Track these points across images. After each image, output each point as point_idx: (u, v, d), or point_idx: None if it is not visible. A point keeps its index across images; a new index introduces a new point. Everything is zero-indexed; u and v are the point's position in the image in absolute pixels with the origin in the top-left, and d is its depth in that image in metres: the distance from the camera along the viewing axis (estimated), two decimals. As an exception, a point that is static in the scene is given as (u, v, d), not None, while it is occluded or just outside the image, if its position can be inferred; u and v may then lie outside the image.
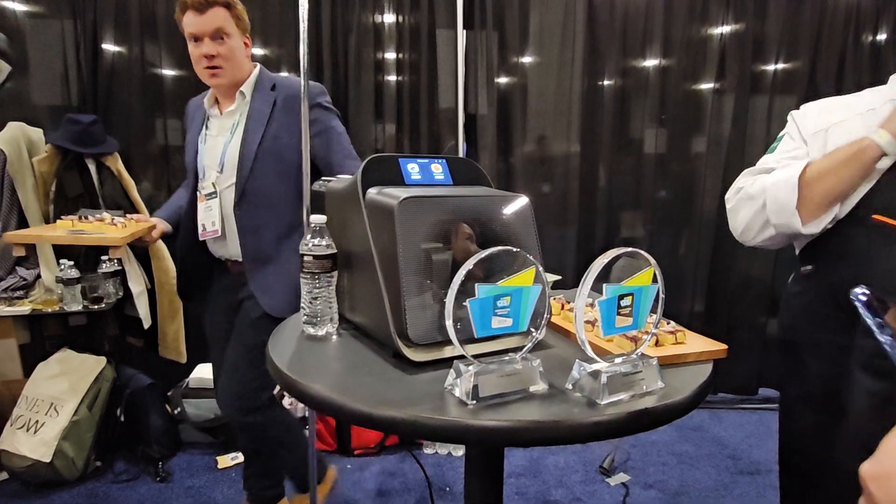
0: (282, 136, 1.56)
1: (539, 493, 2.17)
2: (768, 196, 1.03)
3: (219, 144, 1.59)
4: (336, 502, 2.10)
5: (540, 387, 0.72)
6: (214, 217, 1.60)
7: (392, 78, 2.75)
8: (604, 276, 0.69)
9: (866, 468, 0.33)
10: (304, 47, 1.54)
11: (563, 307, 1.03)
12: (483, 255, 0.68)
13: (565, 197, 2.90)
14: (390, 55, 2.73)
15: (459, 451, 2.44)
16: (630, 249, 0.70)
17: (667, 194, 2.93)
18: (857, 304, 0.45)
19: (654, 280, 0.72)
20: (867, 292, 0.46)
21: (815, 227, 1.02)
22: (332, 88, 2.67)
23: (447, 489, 2.19)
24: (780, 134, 1.15)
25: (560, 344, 0.91)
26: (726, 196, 1.14)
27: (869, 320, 0.44)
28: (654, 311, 0.74)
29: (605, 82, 2.86)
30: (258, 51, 2.66)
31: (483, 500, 0.99)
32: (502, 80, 2.81)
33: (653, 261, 0.71)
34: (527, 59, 2.83)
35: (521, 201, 0.90)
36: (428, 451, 2.47)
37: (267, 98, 1.57)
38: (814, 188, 1.00)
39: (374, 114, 2.75)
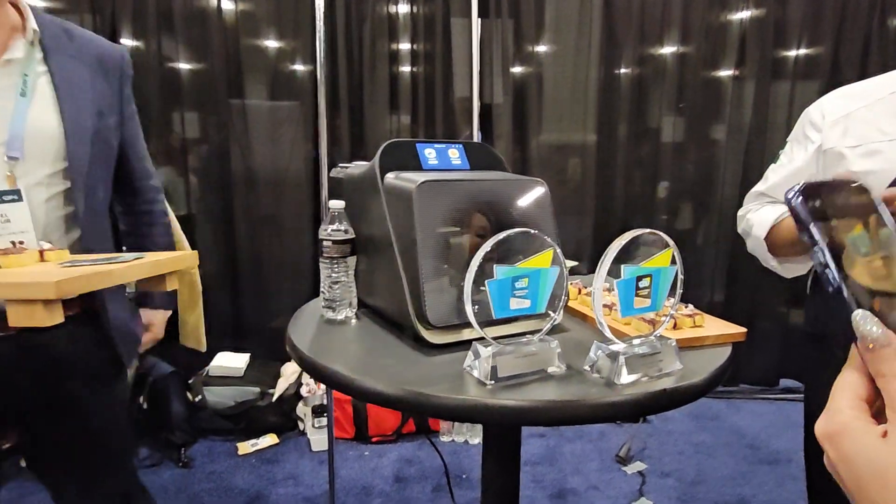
0: (106, 114, 1.08)
1: (555, 481, 2.18)
2: (753, 244, 1.12)
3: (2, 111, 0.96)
4: (354, 488, 2.13)
5: (558, 368, 0.72)
6: (19, 236, 0.96)
7: (406, 68, 2.75)
8: (622, 257, 0.69)
9: (819, 426, 0.32)
10: (321, 37, 1.55)
11: (580, 292, 1.03)
12: (501, 237, 0.68)
13: (581, 186, 2.88)
14: (405, 45, 2.73)
15: (476, 438, 2.46)
16: (649, 231, 0.70)
17: (685, 183, 2.90)
18: (794, 206, 0.34)
19: (673, 262, 0.72)
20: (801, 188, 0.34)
21: (802, 271, 1.11)
22: (347, 79, 2.68)
23: (464, 476, 2.21)
24: (788, 138, 1.14)
25: (576, 327, 0.91)
26: (738, 213, 1.18)
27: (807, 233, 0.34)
28: (672, 293, 0.74)
29: (623, 70, 2.83)
30: (272, 43, 2.68)
31: (500, 485, 1.00)
32: (518, 68, 2.80)
33: (671, 242, 0.71)
34: (542, 48, 2.81)
35: (539, 186, 0.91)
36: (444, 438, 2.49)
37: (73, 52, 1.06)
38: (783, 250, 1.07)
39: (389, 104, 2.75)
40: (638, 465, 2.26)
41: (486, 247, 0.67)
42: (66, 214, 1.04)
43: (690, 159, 2.89)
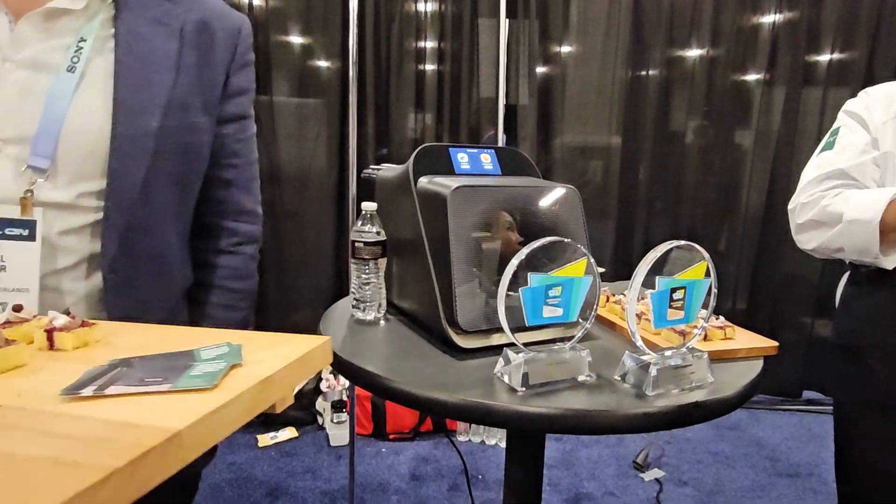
0: (191, 110, 0.76)
1: (571, 485, 2.17)
2: (846, 232, 0.99)
3: (29, 92, 0.68)
4: (371, 484, 2.15)
5: (588, 377, 0.72)
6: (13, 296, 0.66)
7: (432, 67, 2.76)
8: (655, 268, 0.69)
9: None
10: (354, 36, 1.56)
11: (607, 299, 1.03)
12: (537, 245, 0.69)
13: (605, 189, 2.86)
14: (431, 44, 2.74)
15: (492, 439, 2.46)
16: (684, 242, 0.70)
17: (710, 188, 2.87)
18: None
19: (707, 274, 0.72)
20: None
21: None
22: (374, 77, 2.70)
23: (480, 476, 2.22)
24: (834, 126, 1.10)
25: (605, 335, 0.91)
26: (791, 206, 1.08)
27: None
28: (705, 306, 0.74)
29: (650, 72, 2.80)
30: (297, 39, 2.70)
31: (523, 488, 1.01)
32: (544, 69, 2.79)
33: (706, 255, 0.71)
34: (568, 49, 2.79)
35: (570, 192, 0.91)
36: (461, 438, 2.50)
37: (159, 12, 0.74)
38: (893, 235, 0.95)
39: (415, 103, 2.76)
40: (655, 473, 2.25)
41: (522, 254, 0.68)
42: (90, 256, 0.72)
43: (716, 165, 2.85)
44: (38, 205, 0.67)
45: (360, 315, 0.96)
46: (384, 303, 0.97)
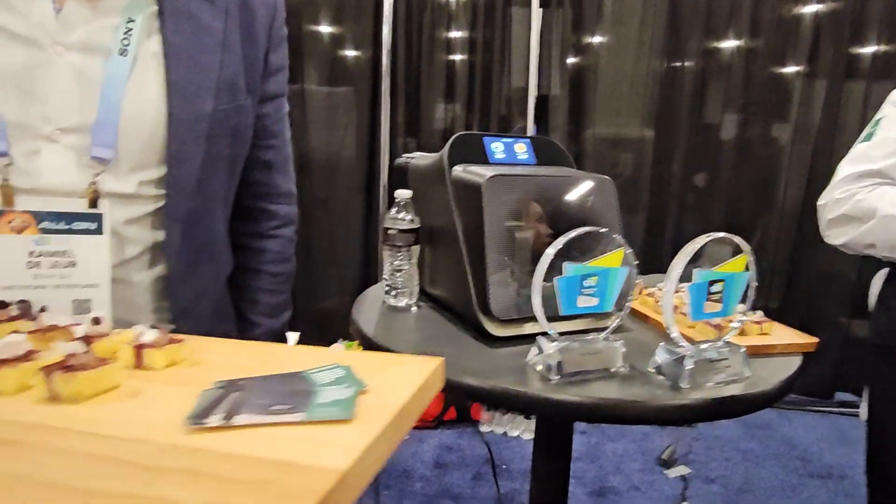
0: (239, 91, 0.74)
1: (596, 479, 2.17)
2: (879, 228, 0.97)
3: (84, 77, 0.65)
4: (395, 471, 2.18)
5: (621, 367, 0.72)
6: (92, 276, 0.65)
7: (463, 57, 2.75)
8: (692, 260, 0.68)
9: None
10: (390, 25, 1.55)
11: (640, 292, 1.02)
12: (574, 235, 0.68)
13: (636, 182, 2.82)
14: (463, 34, 2.73)
15: (515, 430, 2.47)
16: (724, 234, 0.69)
17: (745, 183, 2.80)
18: None
19: (747, 268, 0.71)
20: None
21: None
22: (405, 66, 2.70)
23: (504, 467, 2.23)
24: (876, 117, 1.07)
25: (638, 328, 0.91)
26: (822, 202, 1.06)
27: None
28: (744, 300, 0.73)
29: (686, 63, 2.74)
30: (326, 28, 2.72)
31: (550, 479, 1.02)
32: (576, 59, 2.75)
33: (747, 247, 0.70)
34: (602, 39, 2.75)
35: (606, 183, 0.90)
36: (484, 428, 2.51)
37: None
38: None
39: (445, 92, 2.76)
40: (682, 469, 2.22)
41: (559, 243, 0.68)
42: (153, 245, 0.71)
43: (752, 159, 2.78)
44: (103, 196, 0.66)
45: (392, 302, 0.97)
46: (416, 290, 0.98)
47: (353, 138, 2.78)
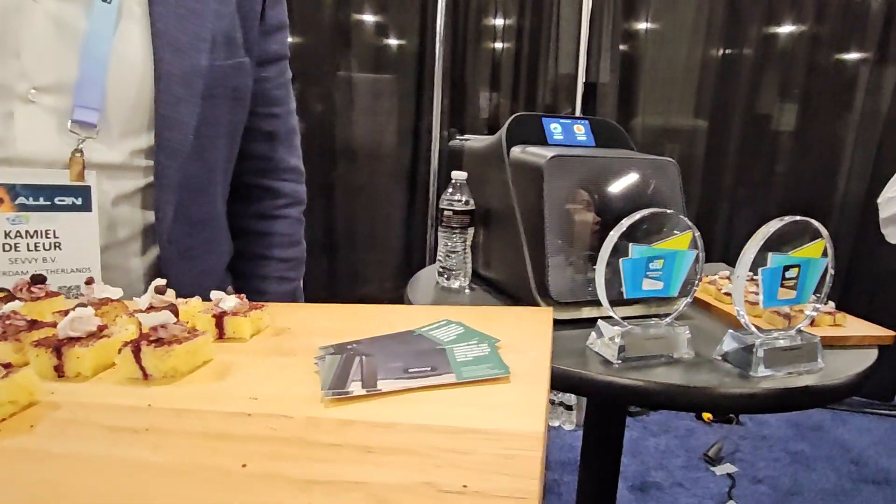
0: (236, 38, 0.66)
1: (637, 473, 2.13)
2: None
3: (63, 27, 0.56)
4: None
5: (686, 353, 0.70)
6: (81, 259, 0.59)
7: (509, 44, 2.71)
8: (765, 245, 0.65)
9: None
10: (442, 12, 1.54)
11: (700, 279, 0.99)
12: (640, 216, 0.67)
13: (688, 173, 2.73)
14: (510, 21, 2.69)
15: (556, 421, 2.45)
16: (801, 218, 0.66)
17: (803, 175, 2.68)
18: None
19: (825, 254, 0.67)
20: None
21: None
22: (450, 54, 2.68)
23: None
24: None
25: (699, 315, 0.88)
26: (880, 199, 1.03)
27: None
28: (819, 288, 0.69)
29: (744, 51, 2.64)
30: (369, 18, 2.72)
31: (599, 470, 1.00)
32: (627, 46, 2.68)
33: (825, 232, 0.66)
34: (655, 25, 2.67)
35: (669, 165, 0.87)
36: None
37: None
38: None
39: (490, 80, 2.73)
40: (728, 467, 2.17)
41: (624, 225, 0.66)
42: (146, 227, 0.63)
43: (811, 150, 2.66)
44: (89, 167, 0.56)
45: (445, 283, 0.97)
46: (469, 272, 0.98)
47: (396, 126, 2.79)
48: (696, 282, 0.71)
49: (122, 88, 0.58)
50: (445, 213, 0.94)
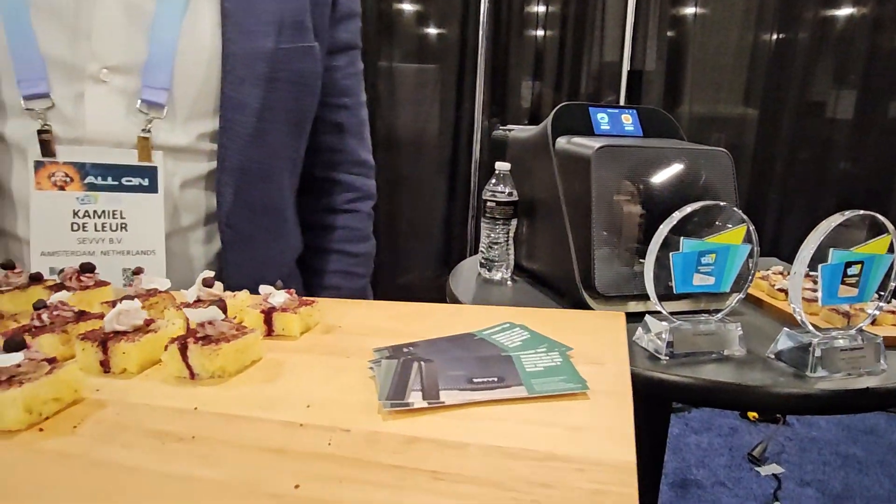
0: (305, 22, 0.65)
1: (678, 470, 2.09)
2: None
3: (134, 8, 0.57)
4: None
5: (737, 350, 0.68)
6: (146, 241, 0.58)
7: (553, 32, 2.67)
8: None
9: None
10: (485, 3, 1.52)
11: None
12: (691, 209, 0.65)
13: (736, 163, 2.64)
14: (553, 8, 2.65)
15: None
16: (865, 212, 0.63)
17: (862, 166, 2.55)
18: None
19: (890, 250, 0.64)
20: None
21: None
22: (492, 43, 2.66)
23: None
24: None
25: (750, 312, 0.85)
26: None
27: None
28: (884, 286, 0.66)
29: (799, 34, 2.52)
30: (411, 7, 2.71)
31: (642, 469, 0.98)
32: (675, 32, 2.60)
33: (892, 227, 0.63)
34: (703, 9, 2.58)
35: (722, 156, 0.84)
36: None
37: None
38: None
39: (533, 68, 2.70)
40: (774, 468, 2.10)
41: (675, 218, 0.64)
42: (209, 215, 0.63)
43: (871, 139, 2.53)
44: (156, 149, 0.57)
45: (487, 275, 0.97)
46: (511, 263, 0.97)
47: (438, 116, 2.79)
48: (750, 277, 0.69)
49: (190, 69, 0.58)
50: (488, 203, 0.94)
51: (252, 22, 0.59)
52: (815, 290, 0.68)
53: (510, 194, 0.93)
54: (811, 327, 0.64)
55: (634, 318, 0.71)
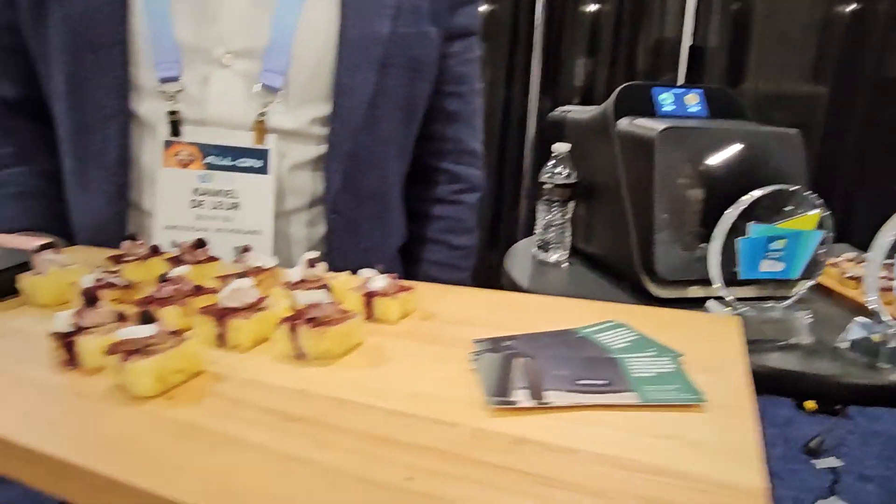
0: (422, 6, 0.64)
1: (729, 459, 2.05)
2: None
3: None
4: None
5: (805, 339, 0.66)
6: (256, 221, 0.60)
7: (608, 7, 2.59)
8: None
9: None
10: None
11: (819, 262, 0.92)
12: (760, 194, 0.63)
13: (804, 144, 2.52)
14: (612, -19, 2.56)
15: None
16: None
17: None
18: None
19: (979, 238, 0.60)
20: None
21: None
22: (546, 20, 2.60)
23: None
24: None
25: (819, 300, 0.82)
26: None
27: None
28: (968, 274, 0.63)
29: (878, 5, 2.35)
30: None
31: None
32: (739, 4, 2.47)
33: (982, 215, 0.60)
34: (774, -19, 2.44)
35: (793, 137, 0.81)
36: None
37: None
38: None
39: (588, 45, 2.63)
40: (831, 461, 2.03)
41: (744, 202, 0.63)
42: (315, 199, 0.64)
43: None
44: (270, 131, 0.59)
45: (542, 256, 0.97)
46: (567, 246, 0.97)
47: (487, 94, 2.76)
48: (822, 265, 0.67)
49: (307, 53, 0.58)
50: (546, 186, 0.93)
51: (369, 6, 0.60)
52: (892, 280, 0.66)
53: (568, 176, 0.93)
54: (887, 316, 0.61)
55: (695, 303, 0.71)
